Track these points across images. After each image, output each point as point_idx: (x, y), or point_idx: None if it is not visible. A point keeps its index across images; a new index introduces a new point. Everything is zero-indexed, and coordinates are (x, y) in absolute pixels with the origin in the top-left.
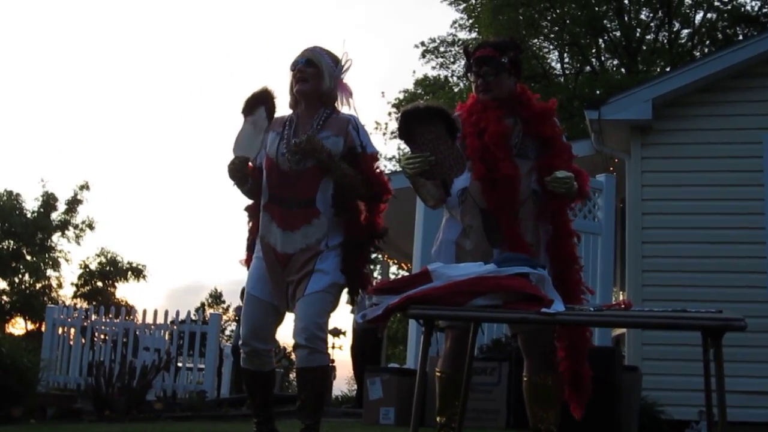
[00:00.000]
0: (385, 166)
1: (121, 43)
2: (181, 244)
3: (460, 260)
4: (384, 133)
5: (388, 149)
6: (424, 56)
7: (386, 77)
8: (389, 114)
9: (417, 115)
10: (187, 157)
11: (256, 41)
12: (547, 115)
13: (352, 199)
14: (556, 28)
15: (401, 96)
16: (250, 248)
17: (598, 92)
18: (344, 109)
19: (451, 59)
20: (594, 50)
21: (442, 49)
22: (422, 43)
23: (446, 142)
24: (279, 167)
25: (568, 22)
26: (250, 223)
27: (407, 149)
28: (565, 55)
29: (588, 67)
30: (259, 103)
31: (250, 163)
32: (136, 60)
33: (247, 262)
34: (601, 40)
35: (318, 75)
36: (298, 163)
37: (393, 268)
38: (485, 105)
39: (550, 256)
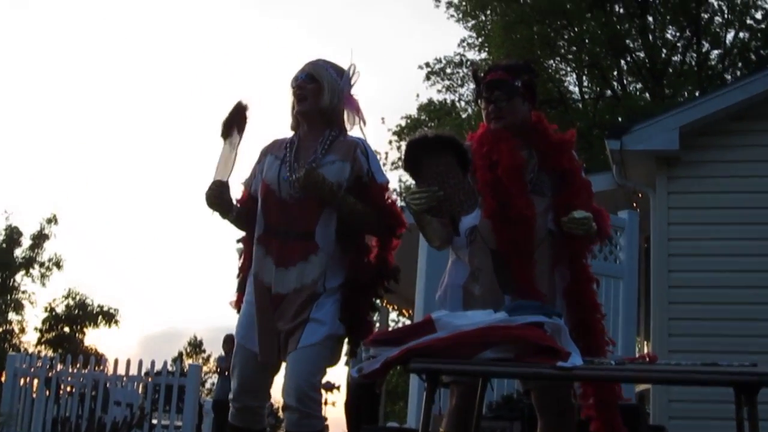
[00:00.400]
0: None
1: (96, 68)
2: (157, 286)
3: (468, 307)
4: (384, 164)
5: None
6: (428, 78)
7: (387, 101)
8: (390, 142)
9: (424, 145)
10: (163, 191)
11: (246, 62)
12: (565, 147)
13: (362, 234)
14: (574, 48)
15: (403, 122)
16: (241, 288)
17: (619, 119)
18: (353, 130)
19: (459, 82)
20: (615, 72)
21: (448, 70)
22: (427, 64)
23: (456, 176)
24: (277, 195)
25: (587, 41)
26: (242, 259)
27: (411, 182)
28: (584, 77)
29: (609, 92)
30: (233, 121)
31: (243, 191)
32: (113, 86)
33: (237, 304)
34: (623, 62)
35: (319, 91)
36: (298, 191)
37: (393, 315)
38: (498, 135)
39: (567, 304)
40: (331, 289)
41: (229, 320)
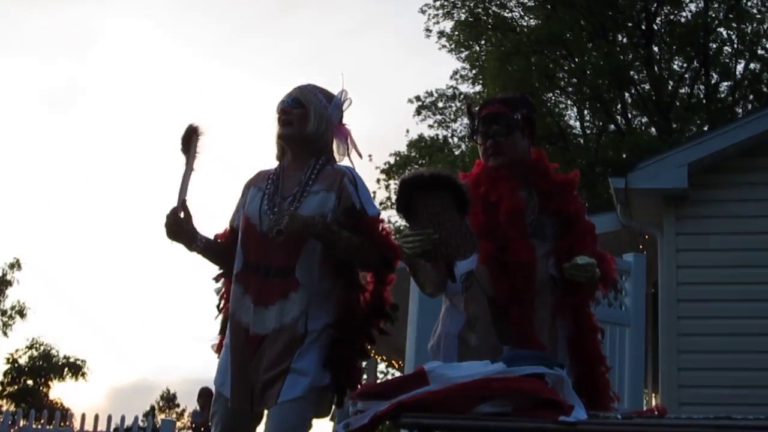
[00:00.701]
0: None
1: (57, 109)
2: (127, 335)
3: (463, 358)
4: None
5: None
6: (419, 113)
7: (374, 137)
8: (378, 181)
9: (419, 184)
10: (132, 234)
11: (227, 96)
12: (567, 188)
13: (356, 269)
14: (575, 80)
15: (392, 160)
16: (223, 330)
17: (624, 156)
18: (344, 161)
19: (452, 116)
20: (619, 106)
21: (440, 104)
22: (417, 98)
23: (453, 218)
24: (257, 229)
25: (588, 73)
26: (221, 299)
27: (404, 224)
28: (585, 111)
29: (612, 126)
30: (185, 143)
31: (226, 228)
32: (78, 127)
33: (219, 348)
34: (627, 94)
35: (305, 117)
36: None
37: (381, 366)
38: (496, 174)
39: (570, 355)
40: (314, 331)
41: (204, 371)
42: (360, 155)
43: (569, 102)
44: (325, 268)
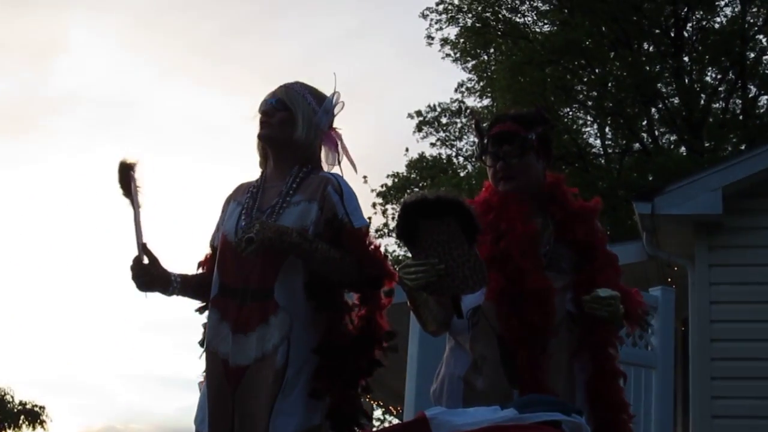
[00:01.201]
0: None
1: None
2: (90, 378)
3: (469, 403)
4: None
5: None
6: (420, 129)
7: (369, 157)
8: (373, 206)
9: (423, 208)
10: (93, 267)
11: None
12: (587, 216)
13: (340, 288)
14: (595, 94)
15: (389, 182)
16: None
17: (650, 178)
18: (334, 169)
19: (456, 133)
20: (645, 122)
21: (444, 120)
22: (418, 113)
23: (461, 246)
24: (234, 248)
25: (610, 85)
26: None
27: (402, 252)
28: (607, 128)
29: (637, 145)
30: (122, 182)
31: (208, 252)
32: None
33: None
34: (654, 110)
35: (289, 121)
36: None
37: (377, 413)
38: (506, 199)
39: (588, 401)
40: (297, 359)
41: (177, 418)
42: (354, 165)
43: (589, 118)
44: (310, 288)
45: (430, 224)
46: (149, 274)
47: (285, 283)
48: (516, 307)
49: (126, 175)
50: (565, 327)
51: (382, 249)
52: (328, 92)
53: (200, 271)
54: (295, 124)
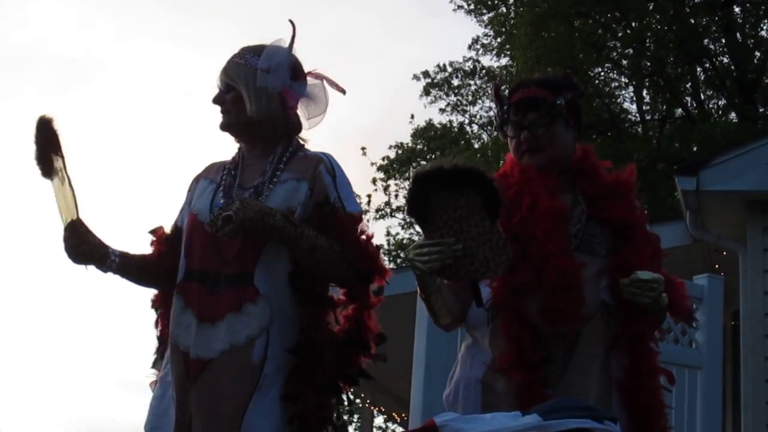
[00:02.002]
0: None
1: None
2: (41, 387)
3: (488, 408)
4: (366, 210)
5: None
6: (427, 93)
7: (368, 125)
8: (374, 181)
9: (437, 180)
10: (25, 260)
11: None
12: (622, 190)
13: (325, 281)
14: (631, 51)
15: (392, 154)
16: (161, 361)
17: (695, 149)
18: (314, 130)
19: (469, 97)
20: (689, 84)
21: (455, 81)
22: (425, 74)
23: (481, 224)
24: (205, 228)
25: (648, 42)
26: (159, 325)
27: (409, 235)
28: (645, 91)
29: (679, 110)
30: (45, 146)
31: (160, 231)
32: None
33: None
34: (699, 69)
35: (238, 100)
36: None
37: (378, 421)
38: (530, 173)
39: (624, 404)
40: (276, 358)
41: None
42: (341, 89)
43: (623, 80)
44: (298, 280)
45: (445, 198)
46: (87, 243)
47: (267, 268)
48: (540, 294)
49: (51, 132)
50: (600, 318)
51: (384, 232)
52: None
53: (150, 252)
54: (244, 100)
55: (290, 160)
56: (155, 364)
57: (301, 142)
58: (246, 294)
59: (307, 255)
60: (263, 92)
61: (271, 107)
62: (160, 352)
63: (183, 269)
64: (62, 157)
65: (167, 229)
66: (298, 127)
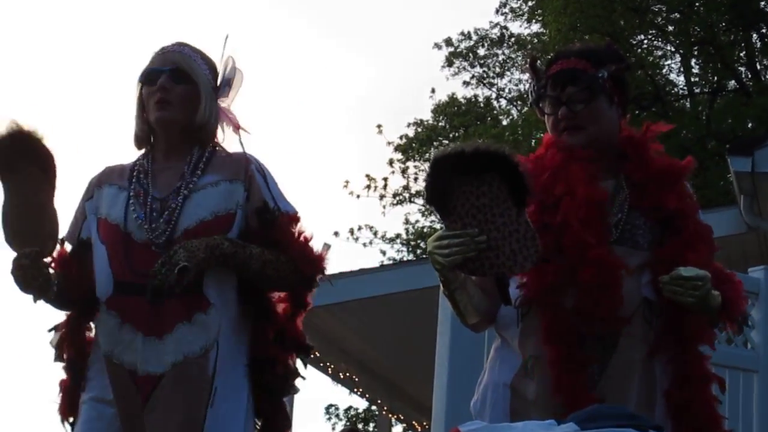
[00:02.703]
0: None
1: None
2: None
3: (519, 416)
4: (382, 195)
5: (388, 222)
6: (450, 64)
7: (384, 99)
8: (390, 162)
9: (458, 165)
10: None
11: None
12: (674, 177)
13: (269, 291)
14: (677, 16)
15: (410, 132)
16: (73, 384)
17: (750, 126)
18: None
19: (496, 68)
20: (743, 53)
21: (480, 51)
22: (447, 41)
23: (507, 213)
24: (131, 238)
25: (697, 5)
26: (63, 344)
27: (426, 224)
28: (693, 61)
29: (732, 82)
30: (20, 153)
31: (60, 249)
32: None
33: (65, 410)
34: (755, 36)
35: (193, 97)
36: (166, 230)
37: (397, 430)
38: (567, 156)
39: (672, 415)
40: (226, 367)
41: None
42: (243, 148)
43: (669, 48)
44: (244, 286)
45: (467, 184)
46: (44, 276)
47: (216, 276)
48: (575, 292)
49: (30, 140)
50: (641, 318)
51: (402, 219)
52: (215, 54)
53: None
54: (199, 102)
55: (210, 161)
56: (69, 387)
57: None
58: (196, 304)
59: (258, 274)
60: (214, 102)
61: (212, 119)
62: (72, 370)
63: (109, 284)
64: (46, 171)
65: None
66: (215, 137)
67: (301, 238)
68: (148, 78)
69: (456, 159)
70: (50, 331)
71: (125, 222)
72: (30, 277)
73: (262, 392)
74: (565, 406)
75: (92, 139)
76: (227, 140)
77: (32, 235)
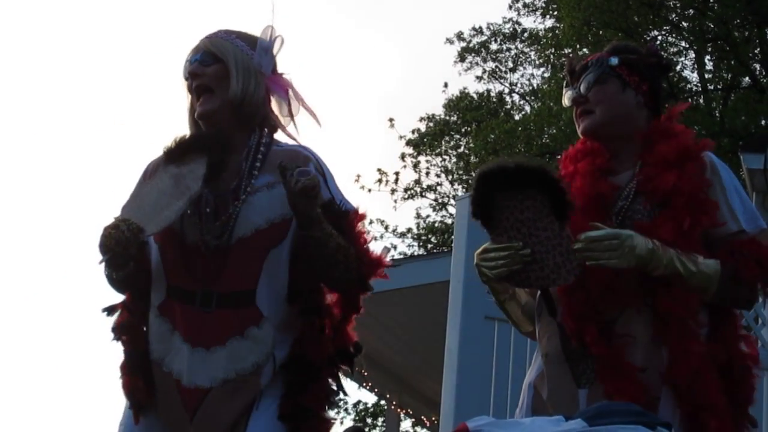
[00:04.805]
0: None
1: None
2: None
3: (537, 414)
4: (393, 190)
5: (399, 216)
6: (462, 59)
7: (397, 95)
8: (402, 157)
9: (502, 180)
10: None
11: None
12: (683, 157)
13: (325, 287)
14: (692, 12)
15: (422, 126)
16: (140, 395)
17: (764, 122)
18: (291, 128)
19: (509, 63)
20: (758, 50)
21: (493, 46)
22: (459, 36)
23: (550, 227)
24: (185, 242)
25: (712, 2)
26: (127, 346)
27: (437, 218)
28: (707, 58)
29: (747, 79)
30: (201, 150)
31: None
32: None
33: (136, 414)
34: None
35: (224, 75)
36: (221, 235)
37: (406, 424)
38: (581, 151)
39: (677, 403)
40: (272, 376)
41: None
42: (315, 117)
43: (683, 44)
44: (294, 286)
45: (510, 199)
46: (129, 246)
47: (268, 286)
48: (572, 285)
49: (212, 145)
50: (641, 300)
51: (414, 214)
52: (259, 31)
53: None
54: (230, 75)
55: (266, 156)
56: (135, 398)
57: (281, 121)
58: (249, 316)
59: (331, 255)
60: (252, 72)
61: (251, 89)
62: (133, 386)
63: (161, 288)
64: (210, 178)
65: None
66: (271, 114)
67: (362, 238)
68: (184, 72)
69: (499, 175)
70: (105, 312)
71: (180, 221)
72: (111, 239)
73: (301, 396)
74: (602, 378)
75: (136, 111)
76: (286, 113)
77: (136, 210)
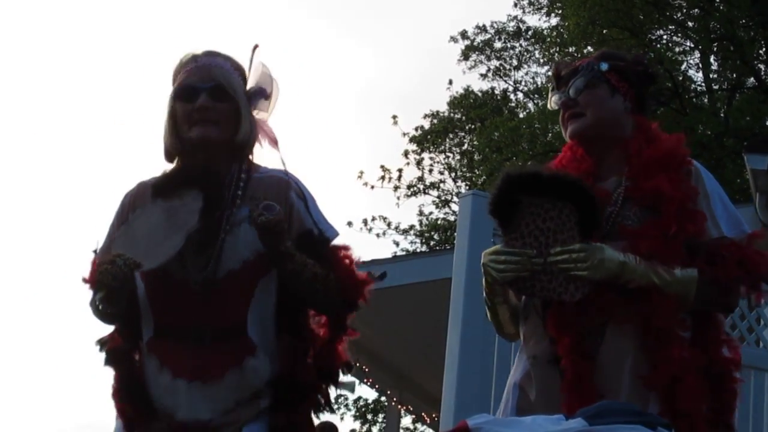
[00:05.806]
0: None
1: None
2: None
3: (523, 414)
4: (396, 187)
5: (402, 213)
6: (466, 57)
7: (399, 92)
8: (406, 154)
9: (532, 185)
10: None
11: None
12: (667, 160)
13: (308, 310)
14: (697, 11)
15: (426, 124)
16: (129, 420)
17: None
18: (266, 163)
19: (513, 62)
20: (763, 50)
21: (497, 44)
22: (463, 35)
23: (570, 242)
24: (172, 278)
25: (718, 2)
26: (118, 372)
27: (440, 215)
28: (713, 58)
29: (751, 79)
30: (193, 183)
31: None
32: None
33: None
34: None
35: (234, 115)
36: (206, 268)
37: (406, 421)
38: (568, 156)
39: (663, 408)
40: (264, 403)
41: None
42: (284, 164)
43: (688, 44)
44: (279, 318)
45: (535, 206)
46: (125, 283)
47: (257, 316)
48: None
49: (205, 179)
50: (627, 309)
51: (416, 211)
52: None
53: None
54: (240, 118)
55: (247, 185)
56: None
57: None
58: (243, 347)
59: (307, 284)
60: (251, 116)
61: (255, 134)
62: (125, 410)
63: (150, 325)
64: (207, 212)
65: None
66: (252, 148)
67: (347, 262)
68: (185, 94)
69: (531, 180)
70: (99, 345)
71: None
72: (109, 275)
73: (280, 414)
74: (568, 395)
75: (136, 111)
76: (263, 153)
77: (131, 245)
